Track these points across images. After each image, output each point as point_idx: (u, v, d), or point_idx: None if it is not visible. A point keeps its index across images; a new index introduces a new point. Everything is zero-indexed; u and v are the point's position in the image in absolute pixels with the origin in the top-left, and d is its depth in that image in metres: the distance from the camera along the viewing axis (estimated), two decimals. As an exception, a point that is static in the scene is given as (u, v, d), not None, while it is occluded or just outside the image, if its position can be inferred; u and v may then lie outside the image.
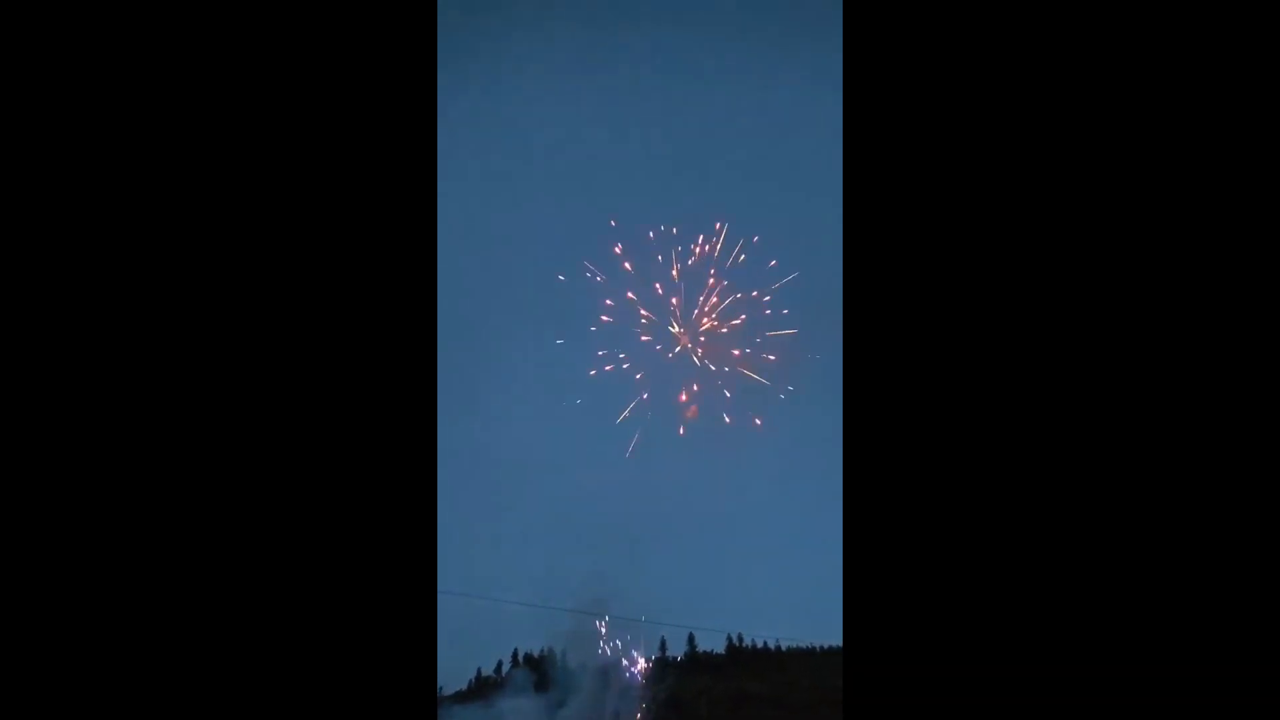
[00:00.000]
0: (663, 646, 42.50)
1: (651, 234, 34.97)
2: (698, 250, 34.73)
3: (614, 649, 36.92)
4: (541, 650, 40.22)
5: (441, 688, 38.56)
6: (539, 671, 38.36)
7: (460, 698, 37.39)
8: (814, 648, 41.68)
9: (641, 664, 37.00)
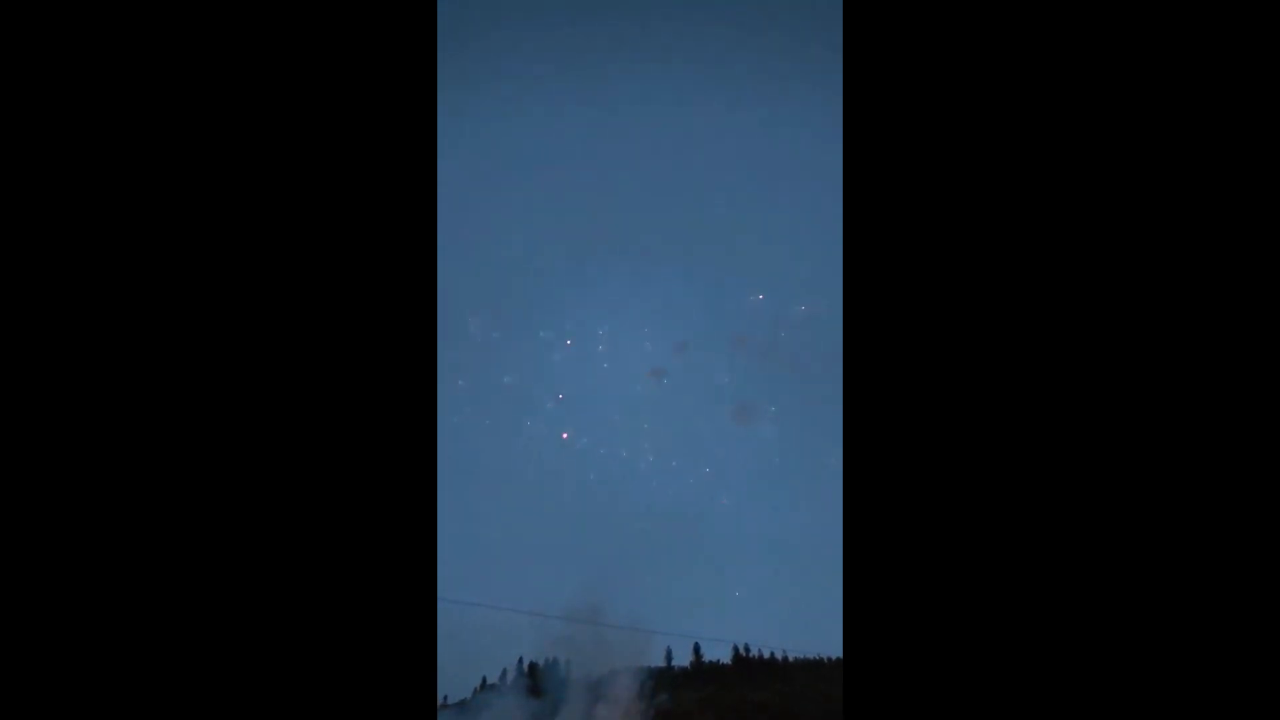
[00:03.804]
0: (668, 657, 42.28)
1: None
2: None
3: (617, 659, 36.72)
4: (546, 660, 40.18)
5: (446, 697, 38.67)
6: (532, 681, 38.29)
7: (444, 706, 37.29)
8: (820, 659, 41.21)
9: (638, 676, 36.72)
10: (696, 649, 43.16)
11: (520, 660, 41.72)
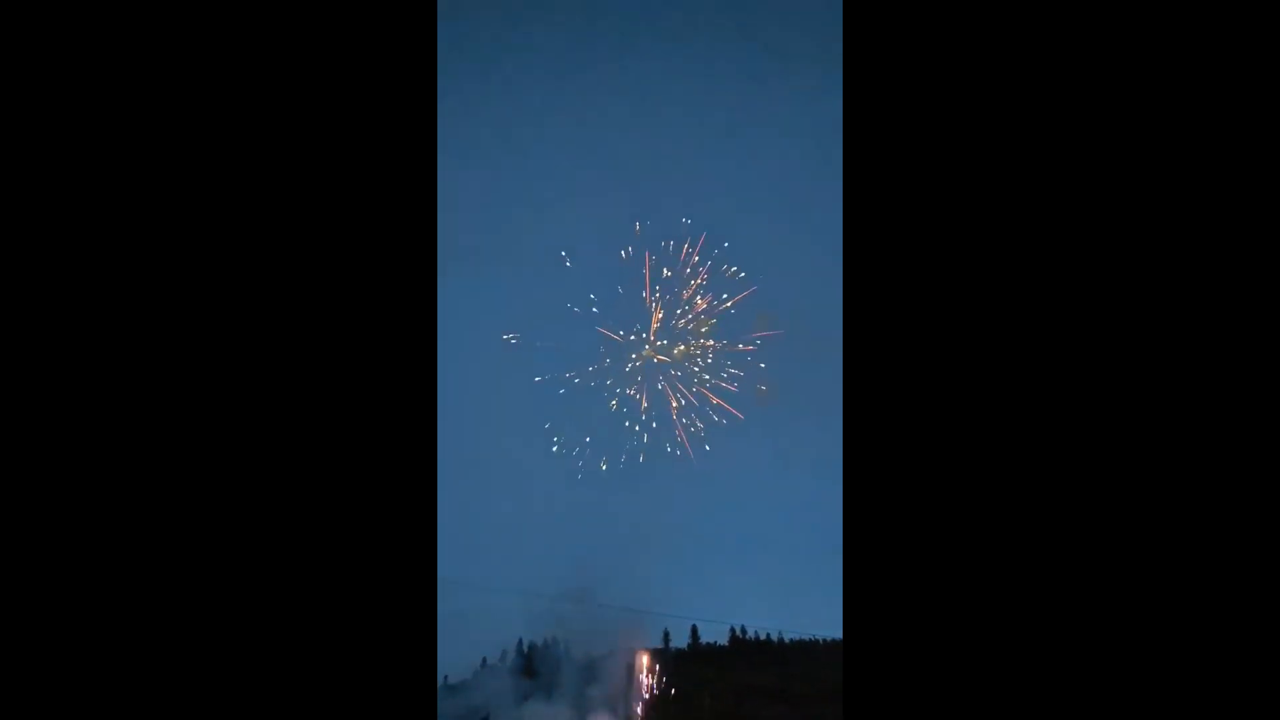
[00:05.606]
0: (665, 638, 42.67)
1: (629, 250, 34.89)
2: (684, 255, 34.64)
3: (614, 640, 37.02)
4: (545, 640, 40.61)
5: (446, 677, 39.20)
6: (528, 662, 38.73)
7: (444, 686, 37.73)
8: (816, 640, 41.50)
9: (638, 657, 37.03)
10: (694, 631, 43.55)
11: (520, 641, 42.19)
